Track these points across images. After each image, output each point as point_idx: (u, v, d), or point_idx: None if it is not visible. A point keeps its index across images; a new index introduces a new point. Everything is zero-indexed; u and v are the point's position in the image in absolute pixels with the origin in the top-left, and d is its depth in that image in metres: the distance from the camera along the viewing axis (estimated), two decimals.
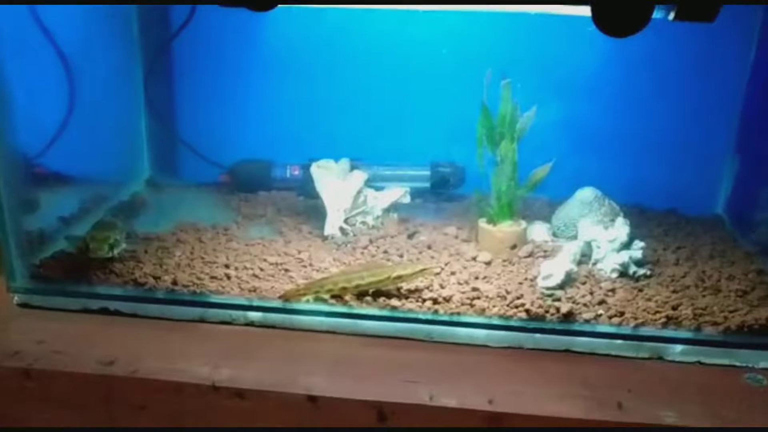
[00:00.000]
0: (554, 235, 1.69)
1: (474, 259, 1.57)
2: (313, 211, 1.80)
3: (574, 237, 1.64)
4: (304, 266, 1.52)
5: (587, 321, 1.36)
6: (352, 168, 1.78)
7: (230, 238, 1.66)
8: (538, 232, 1.69)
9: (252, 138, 2.04)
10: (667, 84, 1.84)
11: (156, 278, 1.44)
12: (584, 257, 1.55)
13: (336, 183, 1.72)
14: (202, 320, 1.40)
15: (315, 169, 1.74)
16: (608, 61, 1.82)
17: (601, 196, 1.67)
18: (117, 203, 1.81)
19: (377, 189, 1.79)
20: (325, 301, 1.39)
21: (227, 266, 1.50)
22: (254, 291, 1.41)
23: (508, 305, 1.38)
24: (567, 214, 1.69)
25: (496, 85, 1.54)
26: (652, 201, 1.91)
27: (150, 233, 1.64)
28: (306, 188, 1.87)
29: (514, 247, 1.61)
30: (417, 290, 1.42)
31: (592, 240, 1.55)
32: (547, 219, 1.75)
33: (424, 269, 1.42)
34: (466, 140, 1.70)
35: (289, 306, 1.39)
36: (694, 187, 1.91)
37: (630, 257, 1.51)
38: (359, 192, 1.72)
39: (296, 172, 1.96)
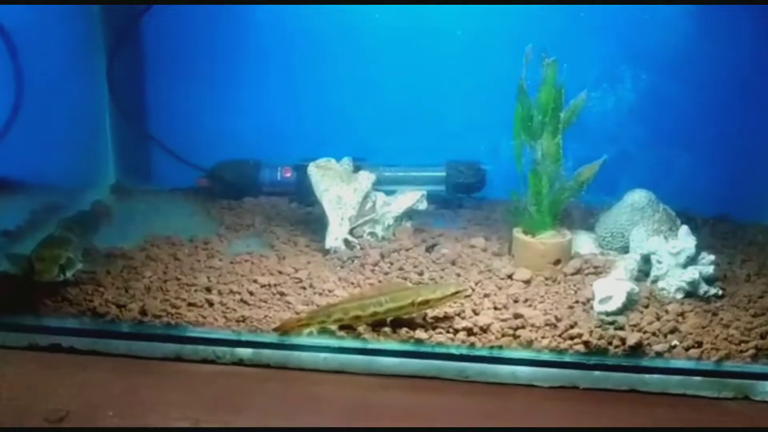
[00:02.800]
0: (599, 246, 1.57)
1: (510, 277, 1.44)
2: (310, 220, 1.72)
3: (623, 249, 1.53)
4: (303, 288, 1.40)
5: (659, 354, 1.21)
6: (356, 168, 1.67)
7: (212, 254, 1.55)
8: (584, 243, 1.56)
9: (235, 135, 1.92)
10: (718, 78, 1.75)
11: (120, 307, 1.32)
12: (639, 273, 1.42)
13: (338, 186, 1.60)
14: (178, 359, 1.27)
15: (313, 170, 1.63)
16: (659, 52, 1.68)
17: (655, 201, 1.56)
18: (74, 213, 1.68)
19: (387, 193, 1.67)
20: (332, 333, 1.26)
21: (209, 290, 1.38)
22: (243, 321, 1.29)
23: (560, 336, 1.24)
24: (614, 222, 1.56)
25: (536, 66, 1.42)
26: (698, 206, 1.79)
27: (114, 249, 1.54)
28: (301, 193, 1.79)
29: (557, 262, 1.47)
30: (446, 318, 1.28)
31: (650, 253, 1.41)
32: (588, 227, 1.62)
33: (457, 292, 1.26)
34: (488, 135, 1.62)
35: (287, 340, 1.27)
36: (747, 191, 1.82)
37: (700, 273, 1.35)
38: (366, 197, 1.60)
39: (288, 174, 1.87)
